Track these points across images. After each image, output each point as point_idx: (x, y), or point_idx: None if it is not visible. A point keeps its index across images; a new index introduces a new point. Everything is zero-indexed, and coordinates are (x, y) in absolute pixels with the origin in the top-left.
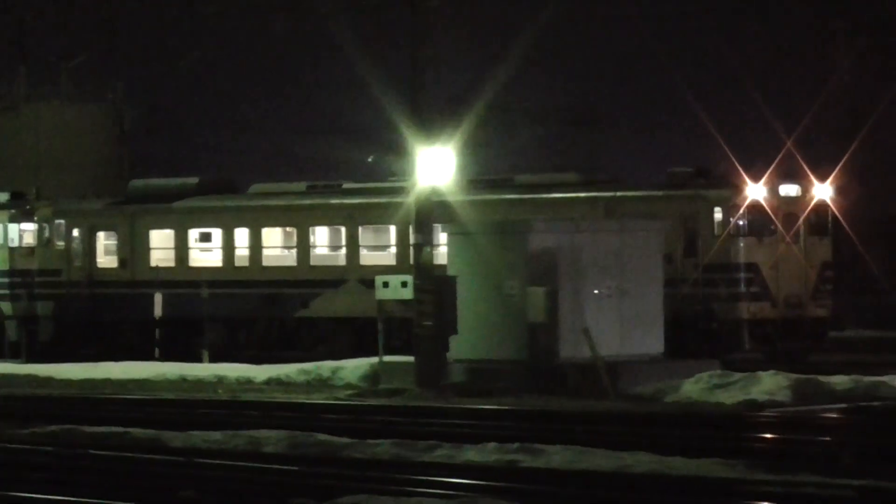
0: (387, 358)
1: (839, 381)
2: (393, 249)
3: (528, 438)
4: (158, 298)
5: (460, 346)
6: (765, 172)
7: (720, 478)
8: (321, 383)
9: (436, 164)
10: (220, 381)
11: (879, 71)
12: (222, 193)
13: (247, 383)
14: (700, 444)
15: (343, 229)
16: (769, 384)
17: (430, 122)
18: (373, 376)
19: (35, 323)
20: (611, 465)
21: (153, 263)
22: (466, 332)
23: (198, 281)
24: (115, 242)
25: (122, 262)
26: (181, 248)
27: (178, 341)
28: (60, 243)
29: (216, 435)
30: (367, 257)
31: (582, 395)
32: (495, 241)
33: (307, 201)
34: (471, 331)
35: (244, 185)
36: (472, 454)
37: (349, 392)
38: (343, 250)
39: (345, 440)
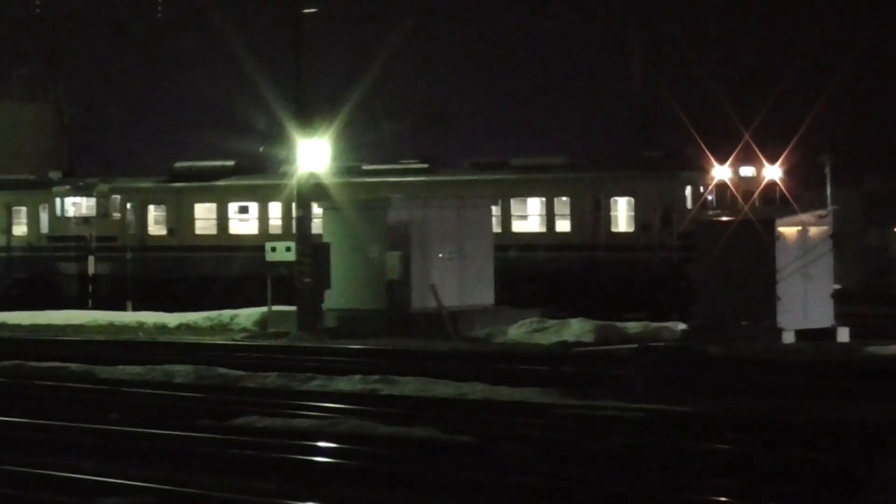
0: (274, 307)
1: (632, 325)
2: None
3: (387, 371)
4: (91, 260)
5: (333, 298)
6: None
7: (539, 402)
8: (222, 327)
9: (314, 153)
10: (141, 325)
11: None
12: (255, 174)
13: (162, 327)
14: (522, 375)
15: None
16: (577, 328)
17: (310, 118)
18: (263, 322)
19: (92, 281)
20: (452, 392)
21: (198, 231)
22: (338, 287)
23: (233, 245)
24: (164, 214)
25: (170, 230)
26: (222, 219)
27: (216, 294)
28: (116, 215)
29: (137, 369)
30: None
31: (429, 337)
32: (361, 215)
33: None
34: (341, 285)
35: (272, 168)
36: (341, 384)
37: (244, 335)
38: None
39: (240, 373)
